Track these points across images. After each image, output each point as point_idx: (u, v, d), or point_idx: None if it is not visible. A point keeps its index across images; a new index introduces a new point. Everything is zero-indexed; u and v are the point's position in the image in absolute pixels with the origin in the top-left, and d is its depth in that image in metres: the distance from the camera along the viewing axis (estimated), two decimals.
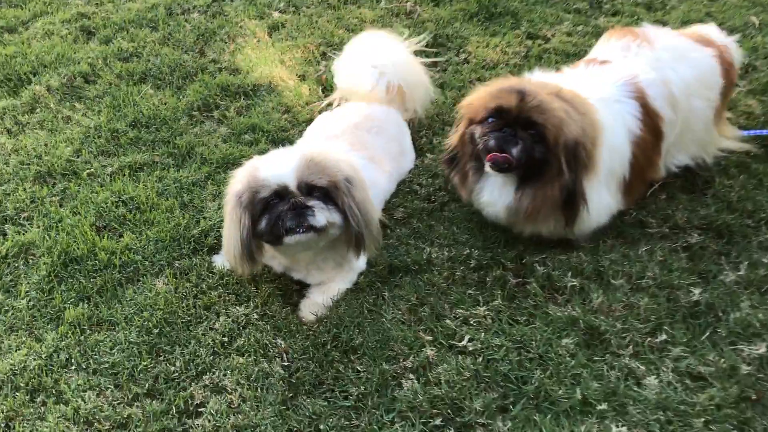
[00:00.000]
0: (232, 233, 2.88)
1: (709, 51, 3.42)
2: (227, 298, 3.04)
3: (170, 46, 4.78)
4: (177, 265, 3.18)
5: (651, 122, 3.26)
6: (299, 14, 5.14)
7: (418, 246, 3.28)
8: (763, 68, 4.43)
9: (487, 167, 2.99)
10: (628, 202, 3.36)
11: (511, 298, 3.05)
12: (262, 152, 3.74)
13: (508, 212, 3.10)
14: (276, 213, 2.75)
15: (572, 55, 4.50)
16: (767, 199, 3.43)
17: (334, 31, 4.89)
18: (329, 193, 2.82)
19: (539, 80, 3.19)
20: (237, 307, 2.99)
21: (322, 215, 2.77)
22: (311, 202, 2.76)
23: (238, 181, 2.89)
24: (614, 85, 3.22)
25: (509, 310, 2.98)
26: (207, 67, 4.58)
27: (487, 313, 2.96)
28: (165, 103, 4.21)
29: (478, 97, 3.08)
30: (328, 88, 4.31)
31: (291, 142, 3.88)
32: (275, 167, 2.82)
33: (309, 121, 4.00)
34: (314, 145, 3.17)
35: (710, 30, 3.67)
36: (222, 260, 3.19)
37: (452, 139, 3.25)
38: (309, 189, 2.79)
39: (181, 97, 4.28)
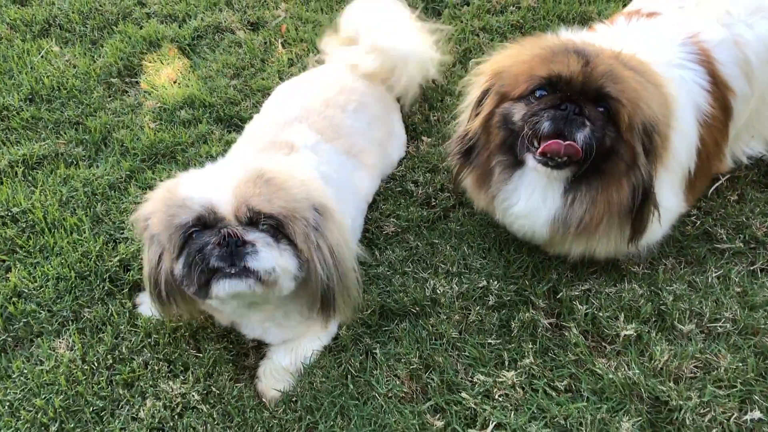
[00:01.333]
0: (144, 265, 2.02)
1: None
2: (157, 367, 2.18)
3: None
4: (86, 315, 2.30)
5: (720, 95, 2.41)
6: None
7: (417, 276, 2.45)
8: None
9: (533, 162, 2.12)
10: (689, 202, 2.54)
11: (545, 351, 2.26)
12: (201, 135, 2.83)
13: (553, 226, 2.23)
14: (199, 246, 1.87)
15: None
16: None
17: None
18: (282, 225, 1.93)
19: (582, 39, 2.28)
20: (170, 383, 2.14)
21: (268, 255, 1.87)
22: (251, 236, 1.87)
23: (150, 200, 2.00)
24: (672, 45, 2.35)
25: (544, 371, 2.19)
26: (131, 12, 3.53)
27: (516, 379, 2.16)
28: (74, 67, 3.19)
29: (516, 63, 2.20)
30: (289, 41, 3.33)
31: (241, 120, 2.95)
32: (203, 182, 1.93)
33: (265, 91, 3.05)
34: (273, 159, 2.22)
35: None
36: (149, 304, 2.32)
37: (471, 123, 2.30)
38: (252, 217, 1.89)
39: (95, 56, 3.26)
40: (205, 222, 1.90)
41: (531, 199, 2.23)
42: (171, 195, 1.94)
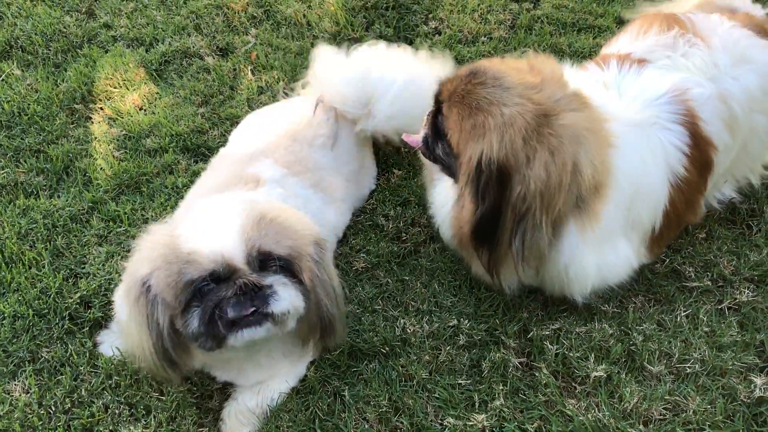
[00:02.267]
0: (140, 337, 1.92)
1: None
2: (118, 411, 2.11)
3: (47, 3, 3.61)
4: (44, 356, 2.22)
5: (700, 155, 2.39)
6: None
7: (387, 314, 2.41)
8: None
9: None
10: (654, 254, 2.55)
11: (515, 392, 2.24)
12: (167, 165, 2.76)
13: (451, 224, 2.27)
14: (214, 302, 1.81)
15: (569, 25, 3.57)
16: None
17: None
18: (291, 264, 1.89)
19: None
20: (131, 427, 2.07)
21: (286, 295, 1.85)
22: (268, 280, 1.83)
23: (144, 258, 1.91)
24: (656, 101, 2.33)
25: (515, 413, 2.17)
26: (97, 34, 3.45)
27: (486, 422, 2.14)
28: (36, 91, 3.11)
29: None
30: (259, 68, 3.28)
31: (209, 150, 2.89)
32: (206, 232, 1.86)
33: (234, 119, 2.99)
34: (257, 196, 2.17)
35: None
36: (111, 343, 2.24)
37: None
38: (263, 261, 1.85)
39: (58, 81, 3.18)
40: (220, 276, 1.83)
41: (442, 195, 2.35)
42: (172, 251, 1.85)
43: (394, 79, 2.65)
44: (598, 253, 2.30)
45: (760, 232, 2.70)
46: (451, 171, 2.23)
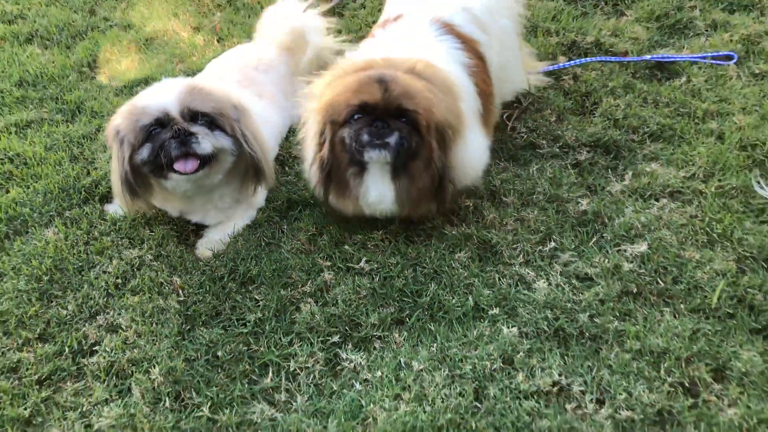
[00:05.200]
0: (114, 169, 2.83)
1: None
2: (120, 242, 2.99)
3: (58, 6, 4.63)
4: (67, 215, 3.11)
5: (472, 48, 3.19)
6: None
7: None
8: None
9: (368, 155, 2.72)
10: (490, 133, 3.29)
11: (409, 222, 3.09)
12: None
13: (395, 204, 2.87)
14: (158, 142, 2.70)
15: None
16: (650, 114, 3.57)
17: None
18: (215, 120, 2.78)
19: (383, 57, 2.91)
20: (131, 250, 2.95)
21: (207, 142, 2.72)
22: (195, 128, 2.72)
23: (118, 115, 2.83)
24: (425, 30, 3.11)
25: (406, 233, 3.03)
26: (98, 25, 4.45)
27: (384, 236, 3.00)
28: (53, 62, 4.08)
29: (337, 95, 2.75)
30: (223, 37, 4.25)
31: None
32: (156, 94, 2.77)
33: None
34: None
35: None
36: (115, 208, 3.13)
37: (323, 152, 2.82)
38: (193, 115, 2.73)
39: (70, 55, 4.15)
40: (162, 122, 2.73)
41: (378, 189, 2.84)
42: (133, 107, 2.78)
43: None
44: (475, 146, 3.15)
45: (598, 115, 3.59)
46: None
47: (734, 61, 3.90)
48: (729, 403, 2.32)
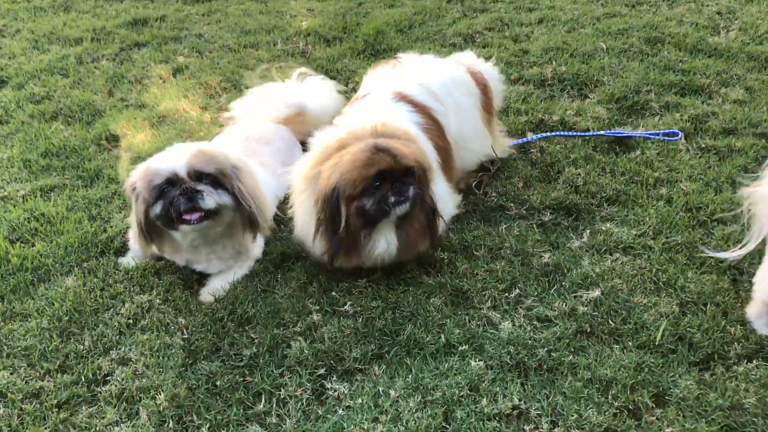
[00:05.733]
0: (133, 220, 3.25)
1: (461, 67, 4.08)
2: (132, 288, 3.35)
3: (80, 89, 5.16)
4: (85, 265, 3.49)
5: (423, 113, 3.67)
6: (202, 58, 5.62)
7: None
8: (608, 83, 5.12)
9: (394, 211, 3.17)
10: (454, 186, 3.78)
11: (390, 272, 3.46)
12: None
13: (399, 249, 3.29)
14: (169, 198, 3.12)
15: None
16: (607, 182, 4.01)
17: (234, 69, 5.38)
18: (218, 179, 3.20)
19: (360, 128, 3.33)
20: (141, 296, 3.31)
21: (211, 198, 3.14)
22: (201, 187, 3.14)
23: (135, 173, 3.25)
24: (385, 101, 3.65)
25: (387, 281, 3.39)
26: (116, 105, 4.96)
27: (367, 284, 3.37)
28: (75, 135, 4.55)
29: (343, 173, 3.13)
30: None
31: None
32: (167, 158, 3.21)
33: None
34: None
35: (467, 57, 4.35)
36: (128, 260, 3.51)
37: (335, 225, 3.19)
38: (198, 176, 3.16)
39: (90, 129, 4.64)
40: (172, 181, 3.15)
41: (385, 240, 3.26)
42: (148, 168, 3.20)
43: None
44: (440, 189, 3.56)
45: (561, 182, 4.03)
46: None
47: (679, 137, 4.39)
48: (667, 423, 2.64)
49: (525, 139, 4.44)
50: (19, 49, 5.82)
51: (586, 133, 4.48)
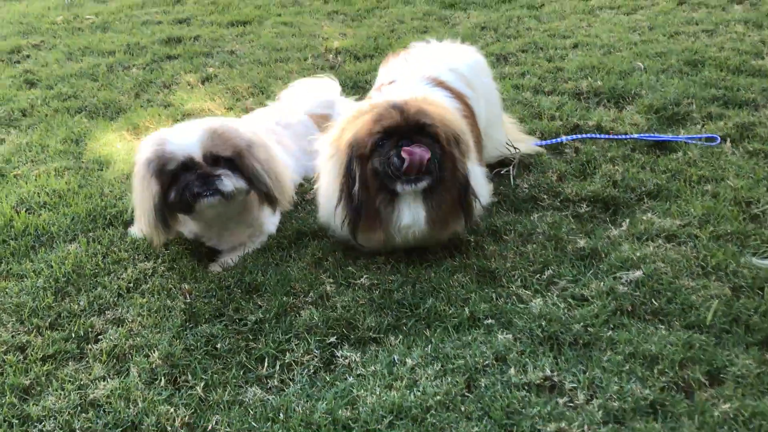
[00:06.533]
0: (144, 201, 3.01)
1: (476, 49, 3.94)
2: (137, 256, 3.15)
3: (108, 90, 5.13)
4: (91, 234, 3.31)
5: (462, 100, 3.47)
6: (232, 69, 5.59)
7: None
8: (647, 95, 4.91)
9: (401, 188, 2.92)
10: (483, 164, 3.50)
11: (413, 252, 3.21)
12: None
13: (428, 224, 3.02)
14: (183, 183, 2.91)
15: None
16: (647, 177, 3.75)
17: (263, 79, 5.32)
18: (234, 161, 3.02)
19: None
20: (145, 263, 3.10)
21: (229, 181, 2.94)
22: (218, 171, 2.94)
23: (146, 150, 3.04)
24: (420, 86, 3.40)
25: (408, 258, 3.14)
26: (141, 104, 4.91)
27: (387, 261, 3.12)
28: (96, 127, 4.48)
29: (359, 130, 2.96)
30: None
31: None
32: (180, 137, 2.99)
33: None
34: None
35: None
36: (136, 230, 3.32)
37: (352, 188, 2.97)
38: (215, 159, 2.97)
39: (112, 123, 4.56)
40: (187, 166, 2.97)
41: (410, 211, 2.99)
42: (162, 149, 2.98)
43: None
44: (477, 172, 3.34)
45: (598, 176, 3.78)
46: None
47: (718, 141, 4.13)
48: (723, 400, 2.30)
49: (557, 140, 4.22)
50: (53, 59, 5.88)
51: (623, 136, 4.25)
